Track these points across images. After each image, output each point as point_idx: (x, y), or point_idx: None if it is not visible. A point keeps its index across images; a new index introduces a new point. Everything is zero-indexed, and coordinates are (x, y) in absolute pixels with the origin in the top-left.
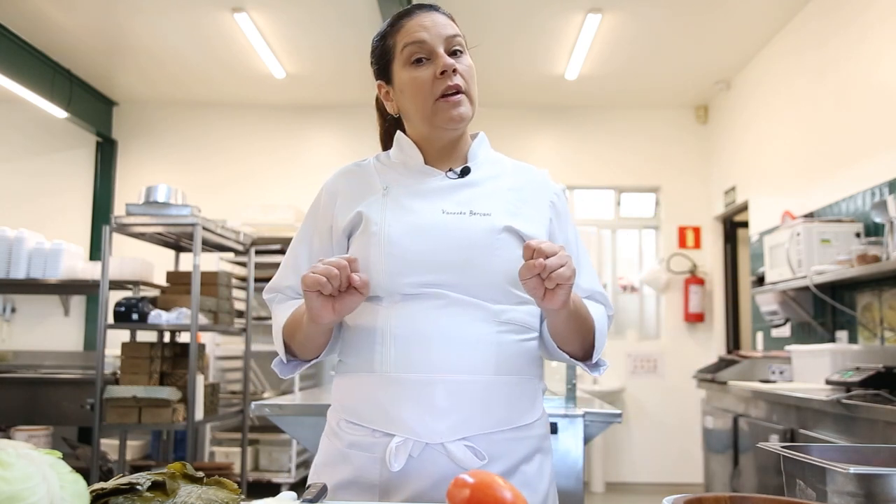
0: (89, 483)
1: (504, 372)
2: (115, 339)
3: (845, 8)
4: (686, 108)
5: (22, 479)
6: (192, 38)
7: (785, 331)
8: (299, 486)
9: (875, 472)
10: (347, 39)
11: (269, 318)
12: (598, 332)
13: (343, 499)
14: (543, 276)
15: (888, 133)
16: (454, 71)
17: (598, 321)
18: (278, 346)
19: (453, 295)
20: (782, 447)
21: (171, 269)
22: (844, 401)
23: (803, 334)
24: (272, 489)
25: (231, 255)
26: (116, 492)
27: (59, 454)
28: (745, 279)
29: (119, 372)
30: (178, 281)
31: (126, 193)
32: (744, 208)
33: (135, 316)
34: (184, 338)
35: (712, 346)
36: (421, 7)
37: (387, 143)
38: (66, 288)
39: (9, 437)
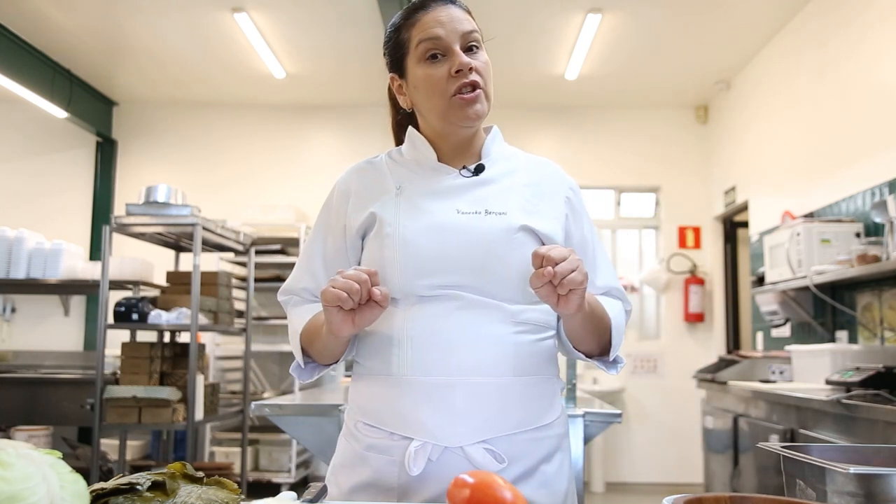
0: (89, 483)
1: (522, 372)
2: (115, 339)
3: (845, 8)
4: (686, 108)
5: (22, 479)
6: (192, 38)
7: (785, 331)
8: (299, 486)
9: (875, 472)
10: (347, 39)
11: (269, 318)
12: (614, 329)
13: (361, 500)
14: (555, 282)
15: (888, 133)
16: (470, 69)
17: (614, 319)
18: (296, 352)
19: (470, 296)
20: (782, 447)
21: (171, 269)
22: (844, 401)
23: (803, 334)
24: (272, 489)
25: (231, 255)
26: (116, 492)
27: (59, 454)
28: (745, 279)
29: (119, 372)
30: (178, 281)
31: (126, 193)
32: (744, 208)
33: (135, 316)
34: (184, 338)
35: (712, 346)
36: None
37: (398, 134)
38: (66, 288)
39: (9, 437)
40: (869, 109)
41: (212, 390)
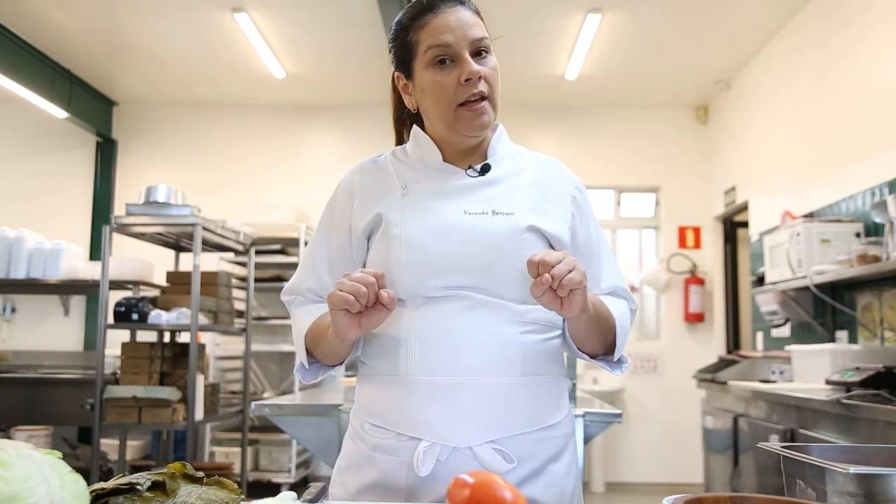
0: (89, 483)
1: (530, 372)
2: (115, 339)
3: (845, 8)
4: (686, 108)
5: (22, 479)
6: (192, 38)
7: (785, 331)
8: (299, 486)
9: (875, 472)
10: (347, 39)
11: (269, 318)
12: (619, 329)
13: (368, 500)
14: (554, 286)
15: (888, 133)
16: (479, 77)
17: (619, 319)
18: (300, 353)
19: (477, 296)
20: (782, 447)
21: (171, 269)
22: (844, 401)
23: (803, 334)
24: (272, 489)
25: (231, 255)
26: (116, 492)
27: (59, 454)
28: (745, 279)
29: (119, 372)
30: (178, 281)
31: (126, 193)
32: (744, 208)
33: (135, 316)
34: (184, 338)
35: (712, 346)
36: (445, 0)
37: (399, 130)
38: (66, 288)
39: (9, 437)
40: (869, 109)
41: (212, 390)
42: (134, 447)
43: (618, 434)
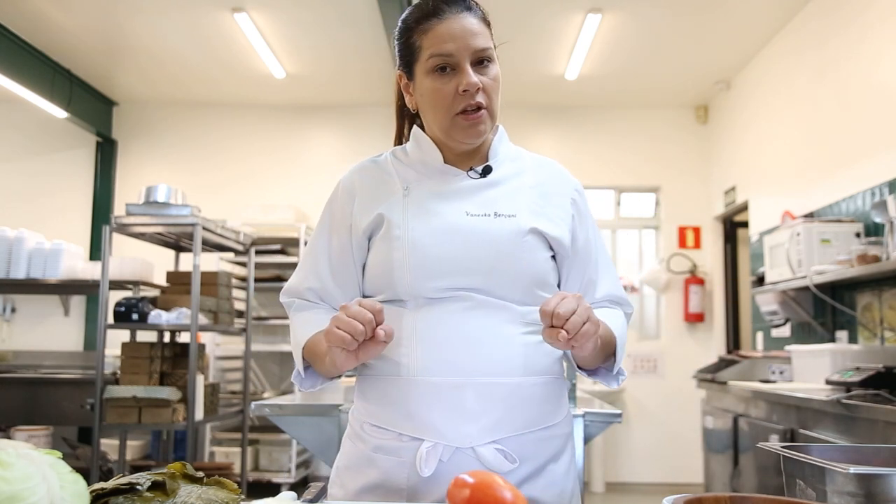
0: (89, 483)
1: (532, 372)
2: (115, 339)
3: (845, 8)
4: (686, 108)
5: (22, 479)
6: (192, 38)
7: (785, 331)
8: (299, 486)
9: (875, 472)
10: (347, 39)
11: (269, 318)
12: (619, 347)
13: (369, 501)
14: (570, 337)
15: (888, 133)
16: (478, 89)
17: (620, 338)
18: (297, 361)
19: (479, 297)
20: (782, 447)
21: (171, 269)
22: (844, 401)
23: (803, 334)
24: (272, 489)
25: (231, 255)
26: (116, 492)
27: (59, 454)
28: (745, 279)
29: (119, 372)
30: (178, 281)
31: (126, 193)
32: (744, 208)
33: (135, 316)
34: (184, 338)
35: (712, 346)
36: (451, 5)
37: (400, 122)
38: (66, 288)
39: (9, 437)
40: (869, 109)
41: (212, 390)
42: (134, 447)
43: (618, 434)
